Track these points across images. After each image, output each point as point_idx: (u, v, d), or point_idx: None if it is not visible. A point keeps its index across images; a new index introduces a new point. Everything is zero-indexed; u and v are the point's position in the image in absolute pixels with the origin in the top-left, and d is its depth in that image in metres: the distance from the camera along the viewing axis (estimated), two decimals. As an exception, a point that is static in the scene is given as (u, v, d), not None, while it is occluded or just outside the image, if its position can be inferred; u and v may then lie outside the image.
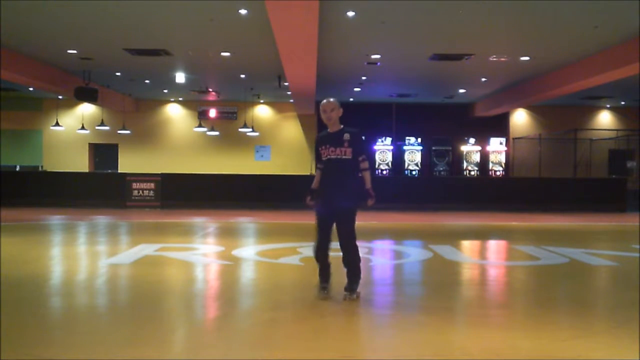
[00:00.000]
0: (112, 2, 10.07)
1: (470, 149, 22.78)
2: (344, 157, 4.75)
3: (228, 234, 9.82)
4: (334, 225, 4.78)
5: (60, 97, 20.50)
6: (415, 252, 7.80)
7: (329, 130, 4.90)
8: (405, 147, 22.52)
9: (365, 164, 4.86)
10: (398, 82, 18.38)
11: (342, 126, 4.87)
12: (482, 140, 22.61)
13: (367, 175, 4.85)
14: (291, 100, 20.86)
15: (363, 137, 4.93)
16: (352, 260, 4.80)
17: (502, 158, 22.58)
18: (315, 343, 3.75)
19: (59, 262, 6.98)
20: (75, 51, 14.01)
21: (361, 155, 4.82)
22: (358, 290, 4.87)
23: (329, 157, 4.78)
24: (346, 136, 4.76)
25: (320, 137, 4.93)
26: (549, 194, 15.93)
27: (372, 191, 4.82)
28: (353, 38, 12.38)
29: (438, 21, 11.08)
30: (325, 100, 4.87)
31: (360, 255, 4.92)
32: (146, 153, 22.74)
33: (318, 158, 4.92)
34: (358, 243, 4.85)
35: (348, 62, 14.96)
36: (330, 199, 4.75)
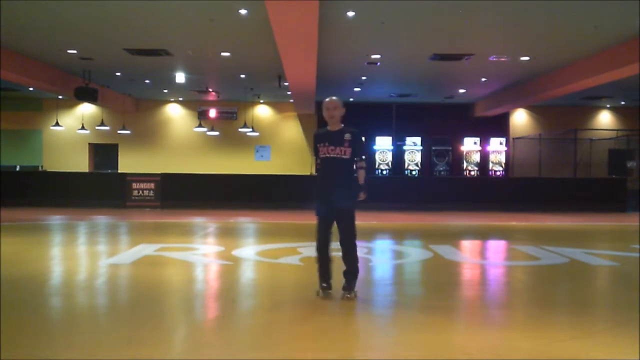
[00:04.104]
0: (112, 2, 10.07)
1: (470, 148, 22.79)
2: (343, 156, 4.75)
3: (228, 234, 9.82)
4: (334, 224, 4.80)
5: (60, 97, 20.50)
6: (415, 252, 7.80)
7: (329, 128, 4.89)
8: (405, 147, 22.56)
9: (363, 164, 4.89)
10: (398, 82, 18.38)
11: (342, 125, 4.88)
12: (482, 140, 22.63)
13: (362, 173, 4.88)
14: (291, 100, 20.86)
15: (363, 138, 4.95)
16: (351, 259, 4.82)
17: (502, 158, 22.57)
18: (316, 343, 3.75)
19: (59, 262, 6.98)
20: (75, 51, 14.01)
21: (360, 155, 4.85)
22: (356, 289, 4.88)
23: (327, 155, 4.77)
24: (347, 136, 4.76)
25: (320, 134, 4.92)
26: (549, 194, 15.92)
27: (365, 186, 4.84)
28: (353, 38, 12.38)
29: (438, 21, 11.08)
30: (328, 99, 4.89)
31: (361, 255, 4.94)
32: (146, 153, 22.74)
33: (317, 154, 4.91)
34: (358, 243, 4.86)
35: (348, 62, 14.96)
36: (330, 198, 4.75)
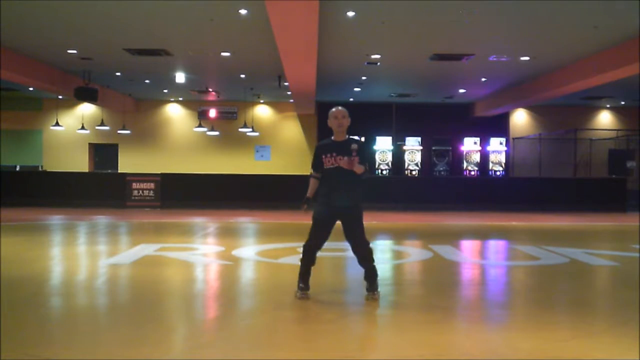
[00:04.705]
0: (112, 2, 10.07)
1: (470, 148, 22.79)
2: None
3: (228, 234, 9.82)
4: (331, 229, 4.85)
5: (60, 97, 20.49)
6: (415, 252, 7.80)
7: (334, 138, 4.87)
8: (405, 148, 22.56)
9: (365, 168, 4.78)
10: (398, 82, 18.37)
11: (347, 136, 4.87)
12: (482, 140, 22.63)
13: (361, 168, 4.69)
14: (291, 100, 20.86)
15: (367, 147, 4.93)
16: (368, 262, 4.85)
17: (502, 158, 22.58)
18: (316, 343, 3.75)
19: (59, 262, 6.98)
20: (75, 51, 14.01)
21: (364, 163, 4.75)
22: (379, 290, 4.89)
23: (336, 165, 4.75)
24: (354, 146, 4.72)
25: (324, 145, 4.90)
26: (549, 194, 15.92)
27: (352, 164, 4.61)
28: (353, 38, 12.38)
29: (438, 21, 11.08)
30: (335, 108, 4.86)
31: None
32: (146, 153, 22.74)
33: (317, 166, 4.88)
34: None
35: (348, 62, 14.96)
36: (337, 205, 4.76)
